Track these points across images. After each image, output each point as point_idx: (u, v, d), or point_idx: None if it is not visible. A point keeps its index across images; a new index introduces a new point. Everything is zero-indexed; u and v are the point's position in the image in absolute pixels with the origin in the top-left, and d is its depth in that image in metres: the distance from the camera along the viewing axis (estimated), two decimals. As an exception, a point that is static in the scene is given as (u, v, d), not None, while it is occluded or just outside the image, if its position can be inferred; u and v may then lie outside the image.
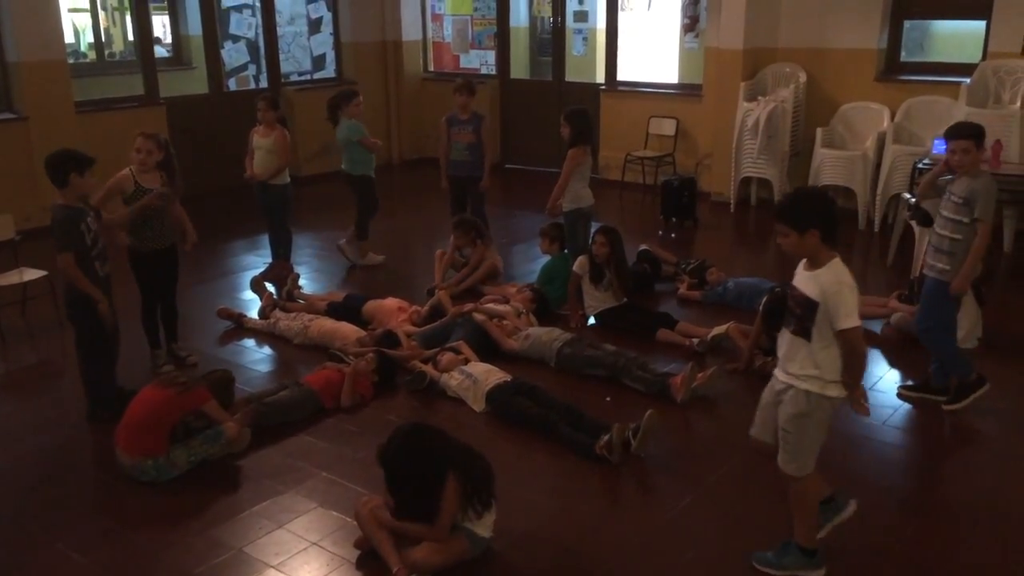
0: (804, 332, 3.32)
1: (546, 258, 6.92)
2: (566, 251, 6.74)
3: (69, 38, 10.99)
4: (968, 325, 5.71)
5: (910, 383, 5.23)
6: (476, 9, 12.00)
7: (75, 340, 4.96)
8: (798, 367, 3.37)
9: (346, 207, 10.03)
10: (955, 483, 4.46)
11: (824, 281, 3.26)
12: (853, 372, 3.35)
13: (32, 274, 6.41)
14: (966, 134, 4.72)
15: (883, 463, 4.61)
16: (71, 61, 9.99)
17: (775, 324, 5.34)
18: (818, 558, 3.58)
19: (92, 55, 12.06)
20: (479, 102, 8.04)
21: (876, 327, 6.12)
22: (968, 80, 8.05)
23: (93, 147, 4.95)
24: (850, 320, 3.22)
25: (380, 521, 3.65)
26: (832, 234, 3.30)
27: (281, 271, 7.10)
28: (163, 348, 5.71)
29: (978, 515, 4.07)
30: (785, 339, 3.44)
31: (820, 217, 3.28)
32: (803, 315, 3.32)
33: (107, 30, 12.37)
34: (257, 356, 5.95)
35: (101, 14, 12.20)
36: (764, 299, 5.50)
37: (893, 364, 5.67)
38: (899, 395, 5.15)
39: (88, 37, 12.18)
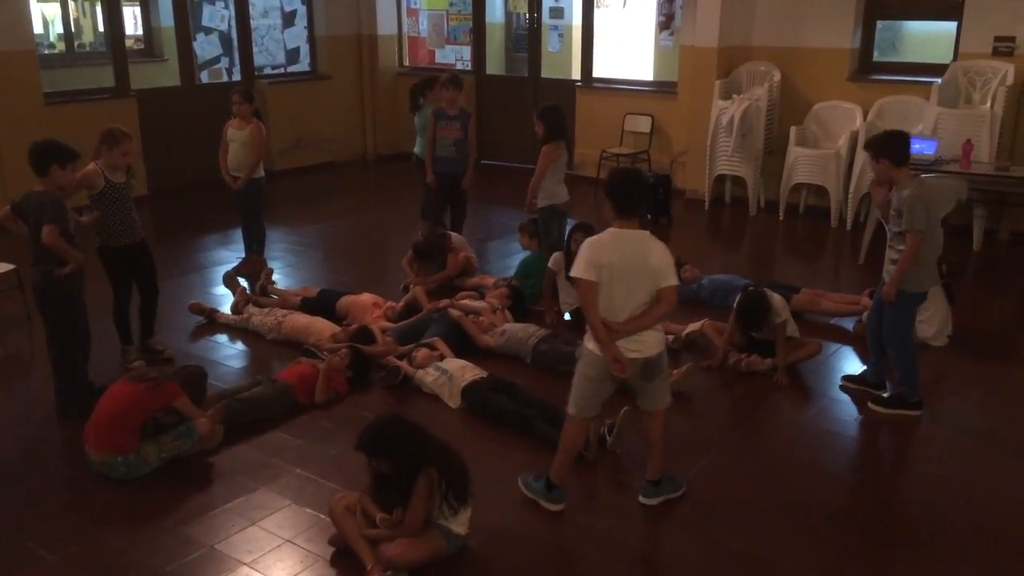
0: None
1: (521, 254, 6.91)
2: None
3: (38, 28, 10.82)
4: (938, 323, 5.79)
5: (852, 375, 5.33)
6: (452, 4, 11.96)
7: (46, 335, 4.88)
8: None
9: (321, 200, 10.00)
10: (925, 480, 4.49)
11: None
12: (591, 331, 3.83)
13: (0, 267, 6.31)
14: (866, 146, 4.94)
15: (854, 460, 4.65)
16: (40, 52, 9.83)
17: (749, 321, 5.42)
18: (556, 493, 4.03)
19: (61, 46, 11.87)
20: (455, 98, 7.99)
21: (848, 324, 6.18)
22: (939, 80, 8.15)
23: (62, 139, 4.88)
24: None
25: (356, 524, 3.64)
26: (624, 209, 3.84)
27: (254, 266, 7.03)
28: (134, 344, 5.64)
29: (947, 510, 4.11)
30: None
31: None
32: None
33: (77, 21, 12.18)
34: (230, 352, 5.89)
35: (71, 4, 12.01)
36: (738, 296, 5.53)
37: (865, 362, 5.71)
38: (841, 387, 5.24)
39: (57, 27, 11.99)
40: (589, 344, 3.86)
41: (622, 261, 3.75)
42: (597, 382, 3.90)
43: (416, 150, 7.85)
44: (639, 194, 3.93)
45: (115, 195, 5.28)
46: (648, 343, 3.86)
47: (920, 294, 4.88)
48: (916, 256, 4.67)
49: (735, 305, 5.51)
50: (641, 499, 4.10)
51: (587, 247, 3.79)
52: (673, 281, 3.82)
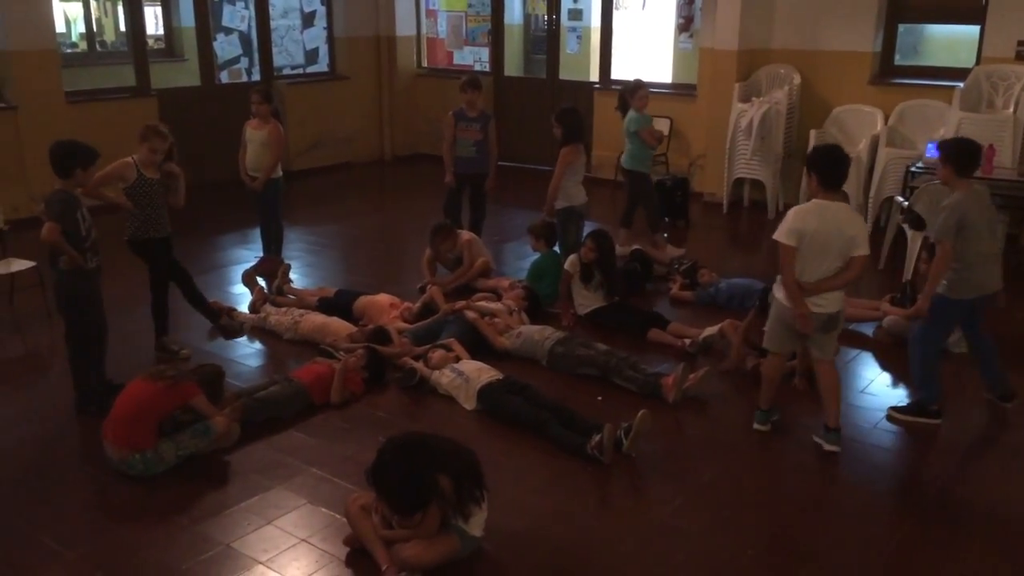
0: None
1: (536, 255, 6.89)
2: (556, 248, 6.71)
3: (60, 28, 10.92)
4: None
5: (901, 405, 5.06)
6: (470, 5, 11.97)
7: (65, 332, 4.92)
8: None
9: (339, 201, 10.03)
10: (943, 488, 4.45)
11: None
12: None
13: (20, 265, 6.36)
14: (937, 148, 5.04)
15: (873, 467, 4.61)
16: (62, 51, 9.92)
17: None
18: (762, 415, 4.75)
19: (83, 45, 11.97)
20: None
21: (868, 330, 6.13)
22: (962, 84, 8.07)
23: (83, 137, 4.94)
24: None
25: (371, 524, 3.63)
26: (828, 182, 4.38)
27: (272, 265, 7.05)
28: (168, 335, 5.71)
29: (971, 520, 4.08)
30: None
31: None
32: None
33: (98, 20, 12.29)
34: (247, 351, 5.91)
35: (93, 4, 12.11)
36: (759, 294, 5.51)
37: (884, 368, 5.67)
38: (888, 418, 4.97)
39: (79, 27, 12.09)
40: (778, 294, 4.45)
41: (820, 230, 4.24)
42: (785, 327, 4.48)
43: (624, 160, 7.78)
44: (843, 169, 4.35)
45: (145, 189, 5.40)
46: (832, 300, 4.38)
47: (958, 302, 4.78)
48: (942, 268, 4.64)
49: (757, 302, 5.47)
50: (825, 445, 4.56)
51: (791, 215, 4.33)
52: (865, 251, 4.29)
